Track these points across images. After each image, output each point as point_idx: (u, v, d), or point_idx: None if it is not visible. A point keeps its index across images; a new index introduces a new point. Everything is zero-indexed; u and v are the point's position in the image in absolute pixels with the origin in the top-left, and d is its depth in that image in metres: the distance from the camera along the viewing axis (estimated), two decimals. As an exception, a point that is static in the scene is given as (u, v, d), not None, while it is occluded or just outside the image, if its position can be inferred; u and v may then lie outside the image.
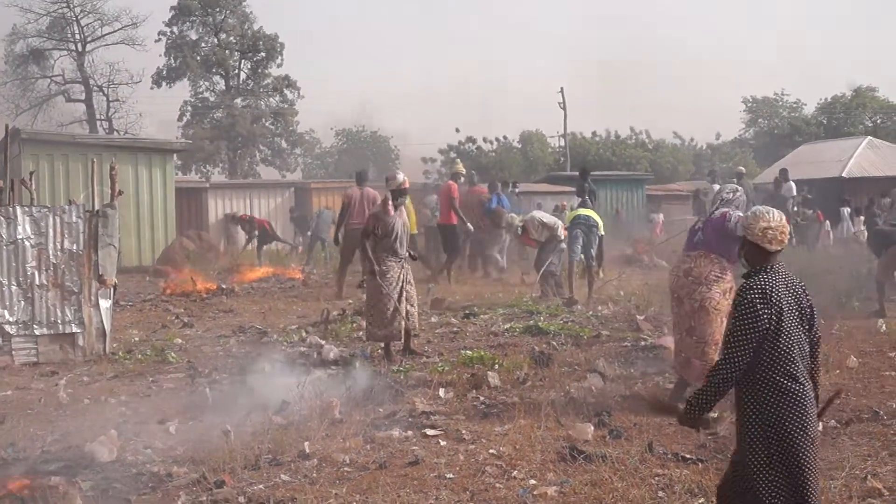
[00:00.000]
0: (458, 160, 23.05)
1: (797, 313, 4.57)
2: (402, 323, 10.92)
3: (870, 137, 44.42)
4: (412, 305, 11.15)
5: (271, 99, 53.15)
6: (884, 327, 12.02)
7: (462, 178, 19.60)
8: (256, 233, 25.47)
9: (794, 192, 23.72)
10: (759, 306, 4.44)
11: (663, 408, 5.08)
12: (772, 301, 4.47)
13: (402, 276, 11.01)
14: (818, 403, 4.74)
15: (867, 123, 66.88)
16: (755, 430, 4.54)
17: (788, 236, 4.74)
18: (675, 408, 4.78)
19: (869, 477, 6.22)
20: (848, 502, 5.83)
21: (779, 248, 4.66)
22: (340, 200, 18.27)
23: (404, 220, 11.25)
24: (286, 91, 52.63)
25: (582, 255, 15.58)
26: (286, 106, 52.84)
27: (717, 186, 20.55)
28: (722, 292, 8.19)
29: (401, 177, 11.36)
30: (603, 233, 15.90)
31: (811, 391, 4.57)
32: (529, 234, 16.50)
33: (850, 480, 6.20)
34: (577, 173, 27.67)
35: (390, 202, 11.09)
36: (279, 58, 52.08)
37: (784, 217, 4.81)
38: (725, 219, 8.28)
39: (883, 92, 69.19)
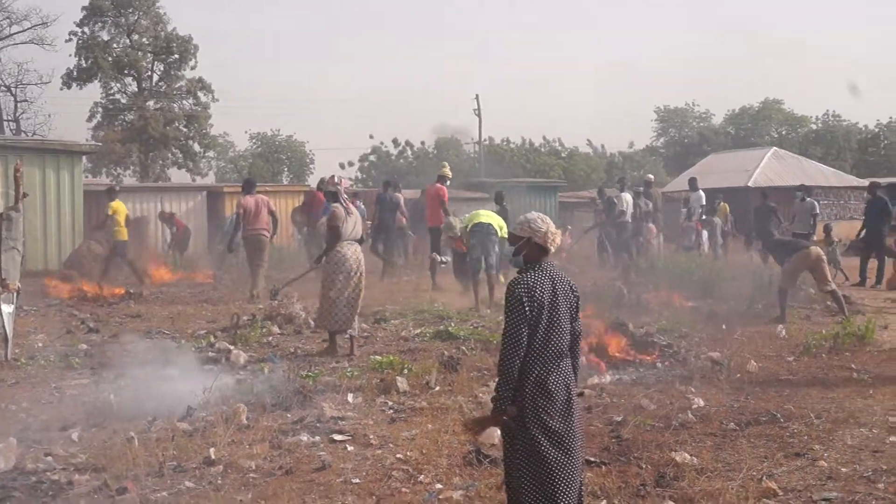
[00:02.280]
0: (446, 163, 23.15)
1: (563, 307, 4.97)
2: None
3: (775, 148, 45.65)
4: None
5: (184, 101, 52.39)
6: (783, 332, 12.34)
7: (448, 181, 19.57)
8: (173, 236, 25.09)
9: (704, 202, 24.13)
10: (524, 299, 4.84)
11: (481, 420, 5.47)
12: (535, 296, 4.86)
13: None
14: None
15: (773, 134, 68.81)
16: (520, 414, 4.89)
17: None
18: (486, 417, 5.22)
19: (765, 478, 6.38)
20: (744, 503, 5.97)
21: (553, 250, 5.08)
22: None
23: None
24: (199, 94, 51.92)
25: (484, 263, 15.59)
26: (199, 109, 52.12)
27: (625, 194, 20.97)
28: None
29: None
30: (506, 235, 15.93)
31: (569, 377, 5.01)
32: (463, 239, 16.51)
33: (747, 481, 6.35)
34: (490, 180, 27.95)
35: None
36: (193, 60, 51.40)
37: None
38: None
39: (788, 104, 71.19)
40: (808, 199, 21.51)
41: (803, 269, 14.33)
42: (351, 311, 11.43)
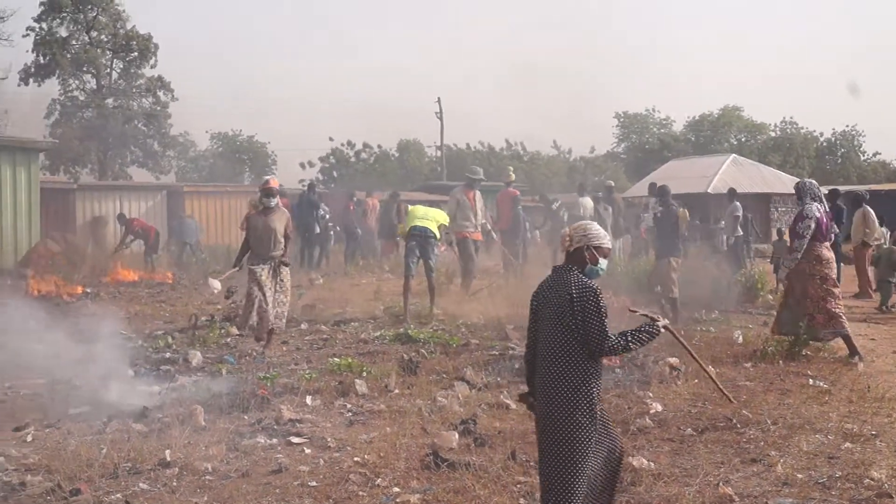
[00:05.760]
0: (510, 167, 23.80)
1: (547, 311, 5.19)
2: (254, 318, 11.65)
3: (734, 155, 46.14)
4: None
5: (144, 100, 51.82)
6: (740, 339, 12.41)
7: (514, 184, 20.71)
8: (131, 238, 24.68)
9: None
10: (532, 302, 5.32)
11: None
12: (534, 297, 5.30)
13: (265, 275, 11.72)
14: None
15: (732, 141, 69.39)
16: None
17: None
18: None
19: (721, 484, 6.41)
20: (700, 508, 6.01)
21: (566, 251, 5.32)
22: (212, 205, 18.56)
23: (266, 222, 11.79)
24: (159, 92, 51.39)
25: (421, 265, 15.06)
26: (159, 108, 51.60)
27: (584, 199, 20.90)
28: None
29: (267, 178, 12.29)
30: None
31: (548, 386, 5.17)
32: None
33: (704, 487, 6.37)
34: (450, 183, 28.04)
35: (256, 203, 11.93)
36: (153, 58, 50.87)
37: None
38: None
39: (748, 112, 71.87)
40: (735, 202, 21.55)
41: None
42: None
